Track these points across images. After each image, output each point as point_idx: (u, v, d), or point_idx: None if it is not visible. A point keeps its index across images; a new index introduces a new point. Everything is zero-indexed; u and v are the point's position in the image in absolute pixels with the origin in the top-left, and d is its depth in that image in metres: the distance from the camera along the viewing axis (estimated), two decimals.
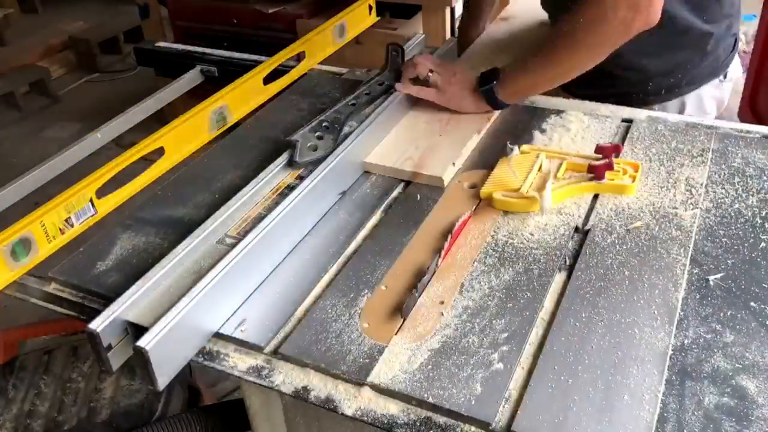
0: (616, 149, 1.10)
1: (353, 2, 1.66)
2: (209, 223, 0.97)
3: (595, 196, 1.06)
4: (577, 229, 1.00)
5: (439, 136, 1.22)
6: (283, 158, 1.12)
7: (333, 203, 1.09)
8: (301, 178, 1.08)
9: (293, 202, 0.99)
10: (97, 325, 0.79)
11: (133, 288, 0.85)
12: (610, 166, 1.06)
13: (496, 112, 1.28)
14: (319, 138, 1.15)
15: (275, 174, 1.09)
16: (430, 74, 1.28)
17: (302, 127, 1.16)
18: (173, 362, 0.82)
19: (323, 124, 1.18)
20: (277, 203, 1.00)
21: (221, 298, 0.87)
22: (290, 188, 1.05)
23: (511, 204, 1.04)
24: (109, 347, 0.81)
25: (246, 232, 0.94)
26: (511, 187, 1.06)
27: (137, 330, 0.82)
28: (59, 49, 4.28)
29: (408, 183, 1.14)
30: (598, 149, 1.10)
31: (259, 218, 0.98)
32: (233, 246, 0.91)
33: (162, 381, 0.80)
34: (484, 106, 1.26)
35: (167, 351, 0.80)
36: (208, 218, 0.98)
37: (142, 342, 0.76)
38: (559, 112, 1.29)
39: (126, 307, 0.83)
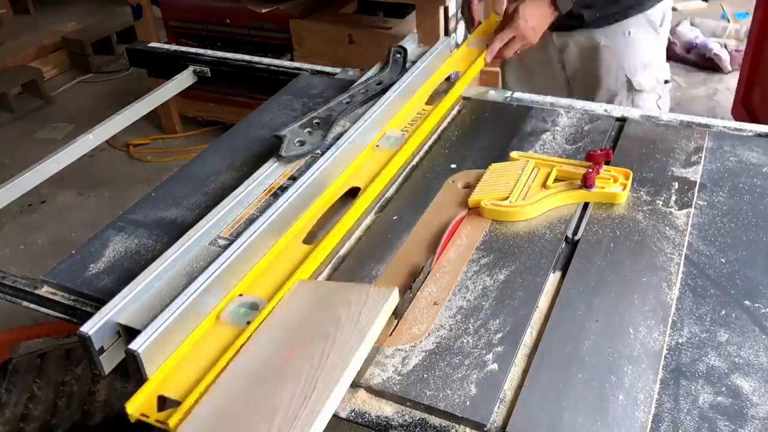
0: (606, 155, 1.09)
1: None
2: (201, 224, 0.96)
3: (586, 205, 1.05)
4: (567, 240, 0.99)
5: None
6: (274, 158, 1.11)
7: None
8: (293, 179, 1.07)
9: (286, 203, 0.98)
10: (89, 328, 0.79)
11: (125, 290, 0.84)
12: (598, 172, 1.06)
13: None
14: (309, 134, 1.15)
15: (267, 175, 1.08)
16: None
17: (292, 123, 1.16)
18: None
19: (314, 121, 1.18)
20: (269, 204, 1.00)
21: (213, 300, 0.87)
22: (282, 189, 1.05)
23: (499, 213, 1.03)
24: (102, 350, 0.80)
25: (238, 234, 0.94)
26: (500, 196, 1.05)
27: (130, 333, 0.81)
28: (52, 49, 4.26)
29: (403, 182, 1.14)
30: (589, 156, 1.09)
31: (252, 219, 0.98)
32: (225, 247, 0.91)
33: None
34: (553, 14, 1.36)
35: (160, 353, 0.79)
36: (200, 220, 0.97)
37: (134, 345, 0.76)
38: (551, 112, 1.29)
39: (118, 309, 0.82)
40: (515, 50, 1.43)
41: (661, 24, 1.54)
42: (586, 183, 1.05)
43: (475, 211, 1.05)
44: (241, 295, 0.88)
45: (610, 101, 1.59)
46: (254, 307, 0.86)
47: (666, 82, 1.61)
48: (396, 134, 1.22)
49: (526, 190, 1.06)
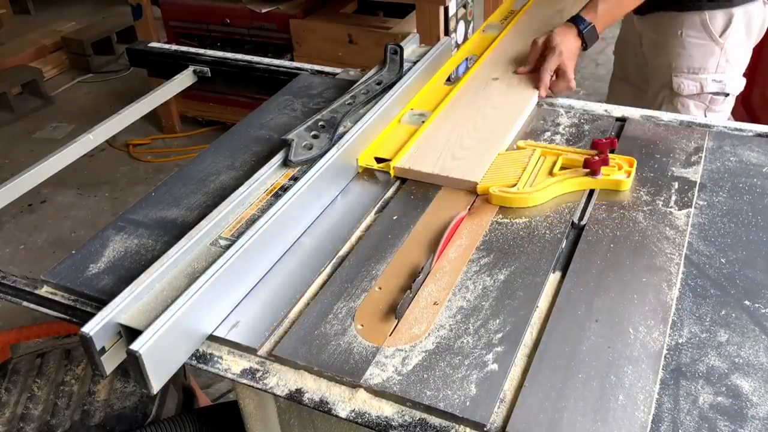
0: (611, 144, 1.10)
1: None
2: (203, 224, 0.96)
3: (591, 192, 1.07)
4: (573, 225, 1.00)
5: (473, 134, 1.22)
6: (276, 159, 1.11)
7: (327, 204, 1.09)
8: (295, 179, 1.07)
9: (287, 203, 0.98)
10: (90, 328, 0.79)
11: (127, 291, 0.84)
12: (605, 162, 1.07)
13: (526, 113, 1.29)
14: (315, 137, 1.15)
15: (269, 175, 1.08)
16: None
17: (298, 126, 1.16)
18: (167, 365, 0.81)
19: (319, 123, 1.18)
20: (271, 204, 1.00)
21: (215, 301, 0.87)
22: (284, 189, 1.05)
23: (507, 199, 1.04)
24: (102, 350, 0.81)
25: (240, 234, 0.94)
26: (508, 183, 1.06)
27: (131, 333, 0.81)
28: (52, 49, 4.26)
29: (402, 182, 1.14)
30: (594, 144, 1.10)
31: (253, 220, 0.98)
32: (227, 248, 0.91)
33: (156, 384, 0.79)
34: (580, 47, 1.37)
35: (161, 354, 0.79)
36: (201, 220, 0.97)
37: (136, 345, 0.76)
38: (551, 112, 1.29)
39: (119, 310, 0.82)
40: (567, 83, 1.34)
41: (721, 34, 1.51)
42: (592, 170, 1.06)
43: (477, 208, 1.05)
44: (412, 109, 1.31)
45: (655, 95, 1.62)
46: (422, 116, 1.27)
47: (717, 94, 1.58)
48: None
49: (533, 178, 1.08)
